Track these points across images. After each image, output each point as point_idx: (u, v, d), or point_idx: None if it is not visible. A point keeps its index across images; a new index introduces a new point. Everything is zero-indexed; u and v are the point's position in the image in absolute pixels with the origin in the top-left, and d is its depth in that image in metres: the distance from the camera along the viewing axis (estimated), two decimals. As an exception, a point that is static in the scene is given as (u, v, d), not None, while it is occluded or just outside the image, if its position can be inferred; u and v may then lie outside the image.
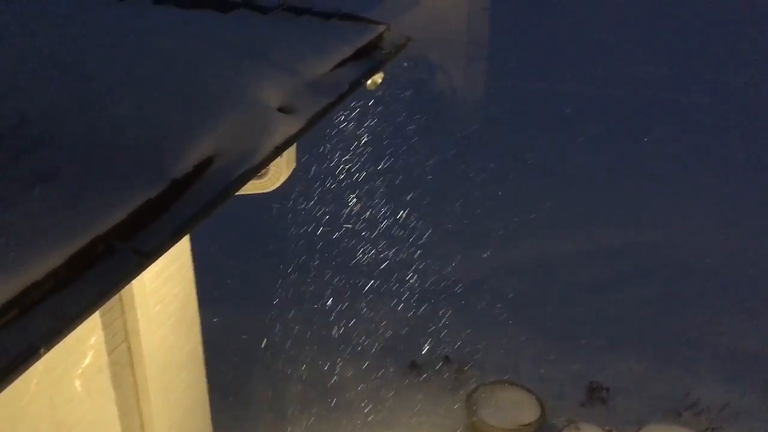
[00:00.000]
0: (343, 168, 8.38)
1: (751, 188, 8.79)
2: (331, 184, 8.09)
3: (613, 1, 19.29)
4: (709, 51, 13.85)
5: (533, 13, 17.36)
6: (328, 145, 8.53)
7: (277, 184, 3.12)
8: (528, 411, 5.17)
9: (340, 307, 6.43)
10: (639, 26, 16.26)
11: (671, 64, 13.43)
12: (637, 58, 13.82)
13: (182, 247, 3.33)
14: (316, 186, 7.95)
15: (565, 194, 8.51)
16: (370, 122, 8.96)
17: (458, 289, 6.77)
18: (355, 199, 7.94)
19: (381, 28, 3.38)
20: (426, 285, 6.80)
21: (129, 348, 3.05)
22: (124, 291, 2.79)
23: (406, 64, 10.18)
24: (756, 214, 8.15)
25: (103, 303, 1.50)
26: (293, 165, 3.17)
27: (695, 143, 9.97)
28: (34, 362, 1.35)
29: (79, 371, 2.67)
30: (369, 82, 3.22)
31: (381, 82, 3.36)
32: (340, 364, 5.80)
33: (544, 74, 12.47)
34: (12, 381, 1.32)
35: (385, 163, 8.58)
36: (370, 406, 5.44)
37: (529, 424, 5.06)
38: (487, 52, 13.55)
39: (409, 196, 8.00)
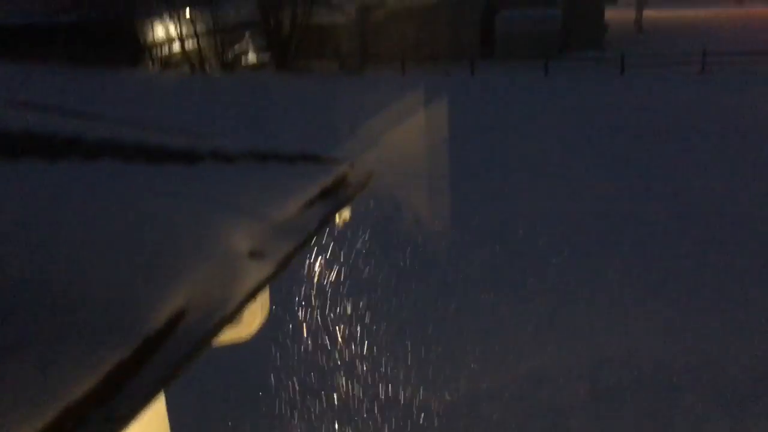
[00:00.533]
0: (314, 307, 8.31)
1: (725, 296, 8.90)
2: (302, 325, 7.99)
3: (568, 126, 20.38)
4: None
5: (491, 141, 18.17)
6: (300, 286, 8.50)
7: (253, 330, 3.06)
8: None
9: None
10: (591, 146, 17.03)
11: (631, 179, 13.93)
12: (599, 176, 14.36)
13: (158, 404, 3.20)
14: (287, 326, 7.84)
15: (540, 316, 8.50)
16: (342, 259, 9.02)
17: (436, 422, 6.57)
18: (325, 337, 7.82)
19: (345, 166, 3.50)
20: (395, 418, 6.60)
21: None
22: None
23: (372, 202, 10.40)
24: (731, 326, 8.19)
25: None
26: (267, 309, 3.14)
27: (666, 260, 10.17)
28: None
29: None
30: (337, 219, 3.29)
31: (349, 219, 3.43)
32: None
33: (507, 200, 12.81)
34: None
35: (356, 300, 8.54)
36: None
37: None
38: (449, 182, 13.98)
39: (383, 331, 7.92)
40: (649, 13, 53.00)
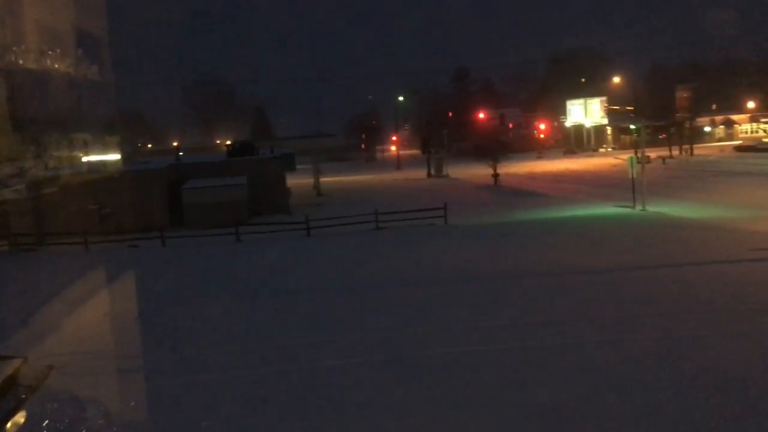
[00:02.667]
0: None
1: None
2: None
3: (261, 289, 20.80)
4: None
5: (181, 314, 17.69)
6: None
7: None
8: None
9: None
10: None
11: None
12: (293, 339, 14.66)
13: None
14: None
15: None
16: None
17: None
18: None
19: (16, 362, 3.11)
20: None
21: None
22: None
23: (55, 403, 9.00)
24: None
25: None
26: None
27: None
28: None
29: None
30: (9, 425, 2.86)
31: (24, 423, 3.01)
32: None
33: (201, 372, 12.35)
34: None
35: None
36: None
37: None
38: (142, 361, 13.07)
39: None
40: (325, 179, 58.40)
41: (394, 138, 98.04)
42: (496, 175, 53.37)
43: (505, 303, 16.29)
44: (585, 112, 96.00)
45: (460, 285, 18.76)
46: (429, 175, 68.43)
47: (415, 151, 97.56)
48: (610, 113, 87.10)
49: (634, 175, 33.63)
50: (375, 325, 14.85)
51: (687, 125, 77.22)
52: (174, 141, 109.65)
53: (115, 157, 51.52)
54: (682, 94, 77.08)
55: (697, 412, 9.12)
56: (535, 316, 14.72)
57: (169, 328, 15.89)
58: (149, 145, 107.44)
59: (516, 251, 24.04)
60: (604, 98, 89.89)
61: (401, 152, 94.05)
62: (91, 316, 17.55)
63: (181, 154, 53.41)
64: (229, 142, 66.38)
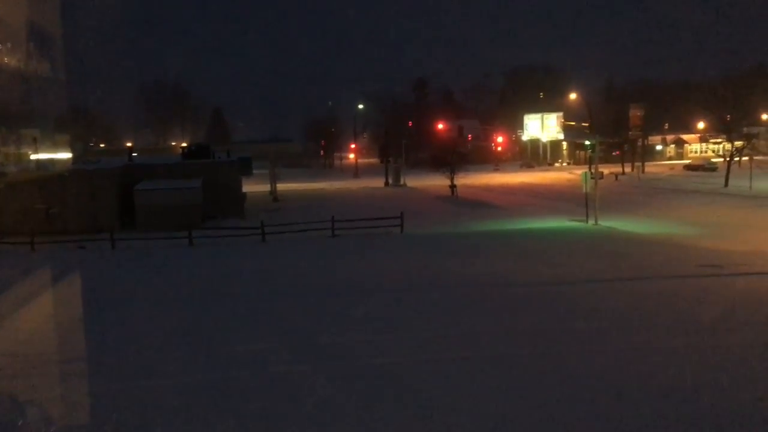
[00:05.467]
0: None
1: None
2: None
3: (213, 294, 20.42)
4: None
5: (130, 318, 17.25)
6: None
7: None
8: None
9: None
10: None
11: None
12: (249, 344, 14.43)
13: None
14: None
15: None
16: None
17: None
18: None
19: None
20: None
21: None
22: None
23: None
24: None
25: None
26: None
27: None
28: None
29: None
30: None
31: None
32: None
33: (145, 377, 12.05)
34: None
35: None
36: None
37: None
38: (86, 364, 12.66)
39: None
40: (282, 185, 57.85)
41: (352, 146, 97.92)
42: (453, 186, 53.64)
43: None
44: (542, 127, 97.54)
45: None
46: (387, 183, 68.42)
47: (374, 160, 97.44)
48: (566, 128, 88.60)
49: (588, 190, 34.19)
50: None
51: (639, 143, 79.03)
52: (127, 141, 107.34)
53: (65, 155, 50.12)
54: (636, 113, 78.89)
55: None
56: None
57: (113, 332, 15.44)
58: (102, 145, 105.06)
59: (462, 262, 24.09)
60: (560, 113, 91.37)
61: (360, 160, 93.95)
62: (33, 318, 16.97)
63: (134, 154, 52.28)
64: (184, 144, 65.25)
